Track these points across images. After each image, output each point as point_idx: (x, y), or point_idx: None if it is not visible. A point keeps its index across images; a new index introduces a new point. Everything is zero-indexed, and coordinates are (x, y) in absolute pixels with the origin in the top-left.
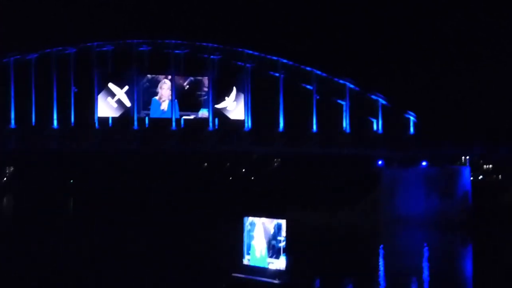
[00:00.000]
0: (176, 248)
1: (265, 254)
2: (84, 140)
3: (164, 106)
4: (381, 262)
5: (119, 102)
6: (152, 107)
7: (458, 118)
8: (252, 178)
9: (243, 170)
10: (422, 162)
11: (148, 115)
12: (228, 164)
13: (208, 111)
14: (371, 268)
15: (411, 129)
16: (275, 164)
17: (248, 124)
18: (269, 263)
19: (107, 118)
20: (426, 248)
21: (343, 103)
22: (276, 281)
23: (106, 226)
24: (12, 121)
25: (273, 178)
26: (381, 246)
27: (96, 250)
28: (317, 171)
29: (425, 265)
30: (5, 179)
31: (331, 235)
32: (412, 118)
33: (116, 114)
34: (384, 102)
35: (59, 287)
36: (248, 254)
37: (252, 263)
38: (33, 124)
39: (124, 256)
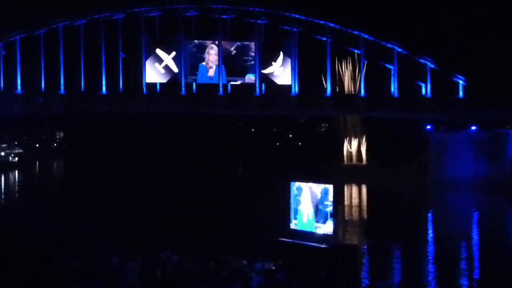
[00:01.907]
0: (224, 212)
1: (312, 219)
2: (133, 106)
3: (211, 71)
4: (429, 226)
5: (167, 67)
6: (199, 72)
7: (508, 82)
8: (299, 143)
9: (290, 135)
10: (471, 126)
11: (195, 80)
12: (275, 129)
13: (255, 76)
14: (419, 232)
15: (460, 93)
16: (322, 129)
17: (295, 89)
18: (316, 227)
19: (155, 84)
20: (475, 212)
21: (391, 67)
22: (323, 246)
23: (158, 186)
24: (62, 87)
25: (320, 142)
26: (430, 210)
27: (144, 210)
28: (364, 135)
29: (474, 229)
30: (55, 144)
31: (379, 198)
32: (461, 82)
33: (163, 79)
34: (432, 65)
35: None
36: (295, 219)
37: (299, 228)
38: (82, 90)
39: (169, 218)
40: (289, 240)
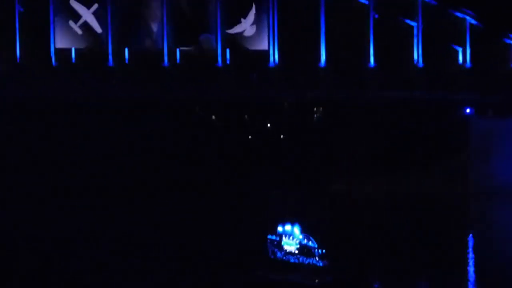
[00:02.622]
0: (181, 235)
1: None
2: (36, 83)
3: (153, 32)
4: (469, 255)
5: (86, 27)
6: (134, 34)
7: None
8: (282, 136)
9: (268, 124)
10: None
11: (128, 45)
12: (247, 116)
13: (216, 39)
14: (454, 263)
15: None
16: (316, 115)
17: (275, 58)
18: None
19: (69, 51)
20: None
21: (414, 24)
22: (314, 282)
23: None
24: None
25: (313, 134)
26: (470, 232)
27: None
28: (376, 124)
29: None
30: None
31: (398, 213)
32: None
33: (81, 45)
34: (473, 21)
35: None
36: (275, 243)
37: (280, 256)
38: None
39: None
40: (270, 275)
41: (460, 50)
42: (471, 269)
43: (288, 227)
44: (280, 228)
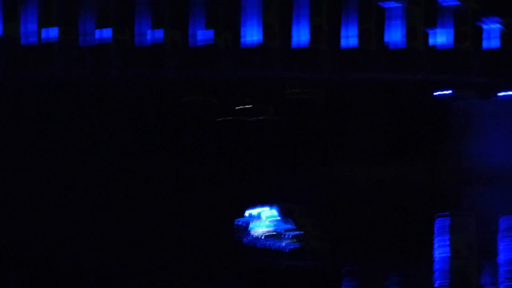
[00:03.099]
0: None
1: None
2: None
3: (151, 12)
4: (442, 240)
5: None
6: (132, 13)
7: None
8: (279, 118)
9: (268, 106)
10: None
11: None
12: (246, 98)
13: None
14: (428, 249)
15: (495, 41)
16: (314, 96)
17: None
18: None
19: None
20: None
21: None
22: (295, 263)
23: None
24: None
25: (307, 118)
26: (447, 214)
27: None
28: (346, 107)
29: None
30: None
31: (374, 199)
32: (495, 26)
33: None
34: (454, 1)
35: None
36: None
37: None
38: None
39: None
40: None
41: (440, 31)
42: (442, 249)
43: (261, 210)
44: (253, 211)
